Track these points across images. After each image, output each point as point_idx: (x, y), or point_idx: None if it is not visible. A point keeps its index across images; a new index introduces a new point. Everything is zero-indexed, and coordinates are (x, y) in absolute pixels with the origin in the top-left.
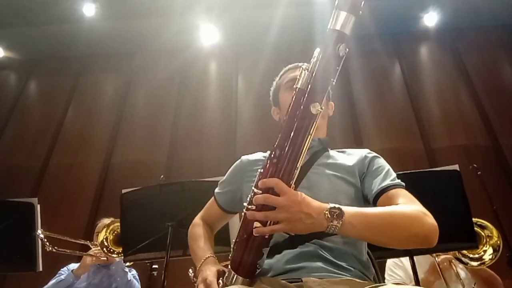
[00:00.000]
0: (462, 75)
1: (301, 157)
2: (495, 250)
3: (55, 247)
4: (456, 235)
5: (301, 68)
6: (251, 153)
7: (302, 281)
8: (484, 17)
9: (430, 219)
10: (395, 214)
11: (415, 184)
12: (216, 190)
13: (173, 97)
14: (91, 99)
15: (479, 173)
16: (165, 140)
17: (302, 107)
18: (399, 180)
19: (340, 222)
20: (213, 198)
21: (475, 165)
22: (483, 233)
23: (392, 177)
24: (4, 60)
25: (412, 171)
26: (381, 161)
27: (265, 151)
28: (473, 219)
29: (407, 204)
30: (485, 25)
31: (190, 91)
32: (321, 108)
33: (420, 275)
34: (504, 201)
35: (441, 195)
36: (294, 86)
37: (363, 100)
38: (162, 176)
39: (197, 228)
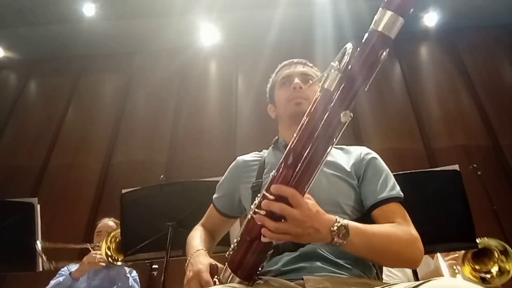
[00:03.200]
0: (462, 75)
1: (321, 165)
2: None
3: (53, 261)
4: (456, 235)
5: (331, 65)
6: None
7: (303, 279)
8: (484, 17)
9: (419, 244)
10: (393, 240)
11: (415, 184)
12: (214, 195)
13: (173, 97)
14: (91, 99)
15: (479, 173)
16: (165, 140)
17: (329, 112)
18: (397, 189)
19: (345, 242)
20: (212, 204)
21: (475, 165)
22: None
23: (390, 185)
24: (4, 60)
25: (412, 171)
26: (379, 164)
27: (260, 150)
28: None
29: (403, 227)
30: (485, 25)
31: (190, 91)
32: (351, 116)
33: (420, 275)
34: (504, 201)
35: (441, 195)
36: (320, 84)
37: (363, 100)
38: (162, 176)
39: (195, 231)
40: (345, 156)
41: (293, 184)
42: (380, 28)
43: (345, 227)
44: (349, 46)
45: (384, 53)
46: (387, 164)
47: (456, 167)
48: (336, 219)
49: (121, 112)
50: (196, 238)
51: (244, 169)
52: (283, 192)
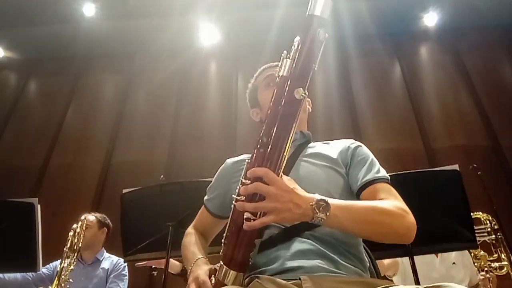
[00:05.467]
0: (462, 75)
1: (288, 144)
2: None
3: None
4: (456, 235)
5: (282, 57)
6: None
7: (300, 279)
8: (484, 17)
9: (410, 217)
10: (379, 210)
11: (415, 184)
12: (205, 197)
13: (173, 97)
14: (91, 99)
15: (479, 173)
16: (165, 140)
17: (285, 93)
18: (383, 172)
19: (326, 215)
20: (203, 206)
21: (475, 165)
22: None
23: (375, 169)
24: (4, 60)
25: (412, 171)
26: (364, 151)
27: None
28: None
29: (390, 200)
30: (485, 25)
31: (190, 91)
32: (305, 93)
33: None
34: (504, 201)
35: (441, 195)
36: (277, 75)
37: (363, 100)
38: (162, 176)
39: (189, 236)
40: (331, 148)
41: (266, 166)
42: (315, 12)
43: (325, 201)
44: (296, 39)
45: (321, 32)
46: (387, 164)
47: (456, 167)
48: (315, 195)
49: (121, 112)
50: (192, 244)
51: (233, 170)
52: (257, 173)
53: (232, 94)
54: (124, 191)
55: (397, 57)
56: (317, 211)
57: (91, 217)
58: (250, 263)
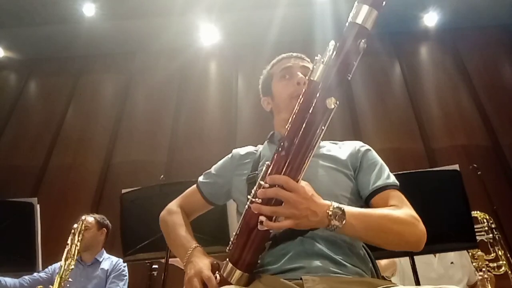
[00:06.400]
0: (462, 75)
1: (312, 152)
2: None
3: None
4: (456, 235)
5: (316, 59)
6: None
7: (301, 279)
8: (484, 17)
9: (421, 225)
10: (391, 219)
11: (415, 184)
12: (201, 179)
13: (173, 97)
14: (91, 99)
15: (479, 173)
16: (165, 140)
17: (316, 100)
18: (393, 178)
19: (341, 223)
20: (195, 186)
21: (475, 165)
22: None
23: (385, 174)
24: (4, 60)
25: (412, 171)
26: (374, 155)
27: (256, 145)
28: None
29: (401, 209)
30: (485, 25)
31: (190, 91)
32: (337, 103)
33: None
34: (504, 201)
35: (441, 195)
36: (307, 78)
37: (363, 100)
38: (162, 176)
39: (176, 216)
40: (340, 150)
41: (286, 172)
42: (357, 21)
43: (341, 209)
44: (332, 42)
45: (362, 43)
46: (387, 164)
47: (456, 167)
48: (332, 203)
49: (121, 112)
50: (180, 226)
51: (239, 162)
52: (277, 181)
53: (232, 94)
54: (124, 191)
55: (397, 57)
56: (333, 219)
57: (90, 218)
58: (257, 264)
